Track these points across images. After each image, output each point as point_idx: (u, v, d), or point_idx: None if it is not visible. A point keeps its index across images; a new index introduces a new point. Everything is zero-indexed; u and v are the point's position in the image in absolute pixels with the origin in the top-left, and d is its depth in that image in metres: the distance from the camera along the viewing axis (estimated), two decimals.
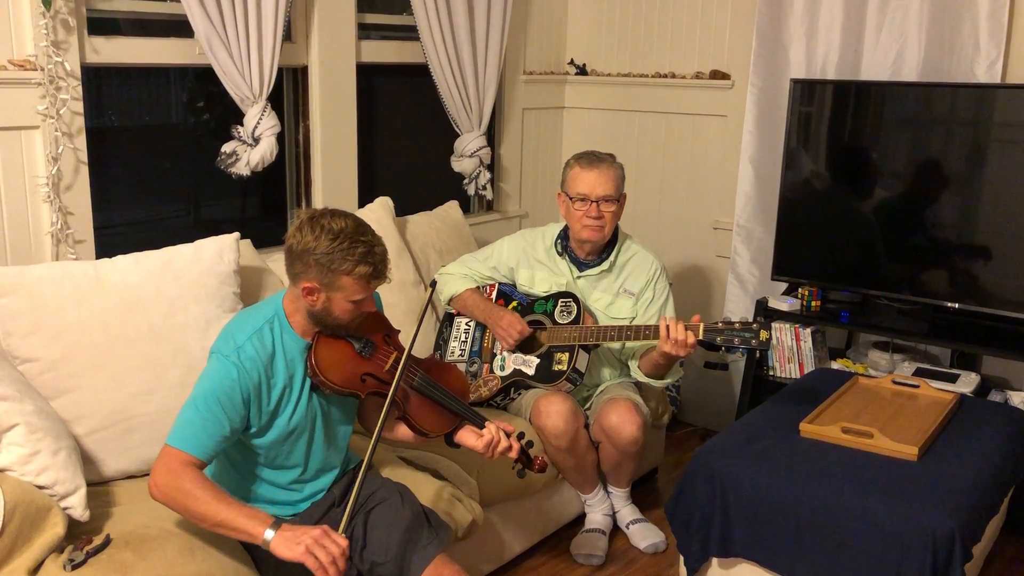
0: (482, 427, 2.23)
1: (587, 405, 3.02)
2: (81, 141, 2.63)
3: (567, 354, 2.84)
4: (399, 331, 2.28)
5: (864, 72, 3.40)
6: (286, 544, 1.85)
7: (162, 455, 1.96)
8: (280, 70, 3.06)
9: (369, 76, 3.51)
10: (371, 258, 2.00)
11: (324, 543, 1.84)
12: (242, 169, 2.94)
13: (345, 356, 2.12)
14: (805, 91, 3.40)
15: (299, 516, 2.18)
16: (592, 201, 2.87)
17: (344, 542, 1.86)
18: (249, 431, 2.07)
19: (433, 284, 2.16)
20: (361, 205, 3.35)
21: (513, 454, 2.24)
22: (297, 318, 2.10)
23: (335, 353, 2.10)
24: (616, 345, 2.99)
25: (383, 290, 2.26)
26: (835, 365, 3.41)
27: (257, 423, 2.06)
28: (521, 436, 2.27)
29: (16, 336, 2.27)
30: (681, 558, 2.58)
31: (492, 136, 3.98)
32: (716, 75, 3.82)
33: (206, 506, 1.89)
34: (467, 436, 2.24)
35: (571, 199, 2.92)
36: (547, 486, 2.93)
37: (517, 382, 2.92)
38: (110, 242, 2.80)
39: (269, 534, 1.86)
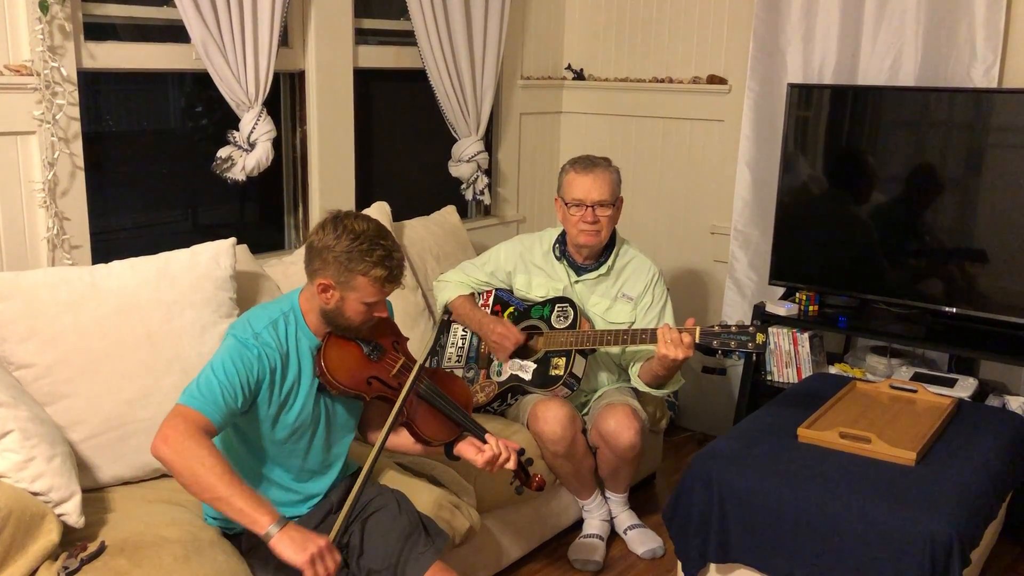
0: (485, 441, 2.23)
1: (585, 410, 3.01)
2: (77, 146, 2.62)
3: (564, 359, 2.84)
4: (408, 339, 2.30)
5: (861, 77, 3.40)
6: (292, 546, 1.80)
7: (174, 415, 1.90)
8: (277, 75, 3.06)
9: (366, 81, 3.51)
10: (388, 262, 2.03)
11: (326, 556, 1.83)
12: (237, 174, 2.93)
13: (353, 358, 2.14)
14: (802, 96, 3.40)
15: (299, 520, 2.16)
16: (588, 206, 2.86)
17: (339, 558, 1.87)
18: (258, 416, 2.07)
19: (448, 313, 2.20)
20: (358, 210, 3.34)
21: (512, 466, 2.24)
22: (312, 316, 2.13)
23: (344, 354, 2.13)
24: (614, 350, 2.98)
25: None
26: (833, 370, 3.41)
27: (266, 411, 2.06)
28: (521, 452, 2.28)
29: (11, 342, 2.26)
30: (679, 563, 2.57)
31: (490, 141, 3.98)
32: (713, 80, 3.82)
33: (217, 477, 1.83)
34: (467, 449, 2.24)
35: (567, 204, 2.91)
36: (545, 493, 2.92)
37: (514, 388, 2.92)
38: (106, 247, 2.79)
39: (273, 529, 1.81)
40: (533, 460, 2.33)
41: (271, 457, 2.14)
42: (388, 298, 2.22)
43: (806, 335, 3.42)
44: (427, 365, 2.32)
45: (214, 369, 1.98)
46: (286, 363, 2.07)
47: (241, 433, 2.12)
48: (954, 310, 3.17)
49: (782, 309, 3.43)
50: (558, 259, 3.02)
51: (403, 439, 2.25)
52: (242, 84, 2.85)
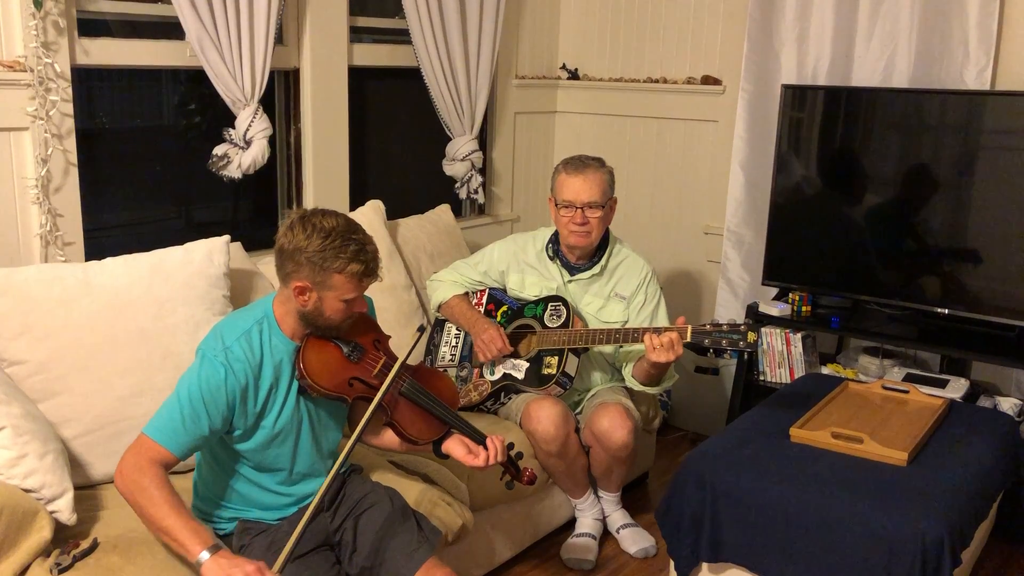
0: (472, 436, 2.21)
1: (578, 409, 3.01)
2: (71, 143, 2.62)
3: (556, 358, 2.84)
4: (389, 337, 2.28)
5: (855, 78, 3.41)
6: (215, 572, 1.80)
7: (136, 444, 1.95)
8: (272, 73, 3.05)
9: (361, 79, 3.51)
10: (363, 256, 2.01)
11: None
12: (233, 172, 2.93)
13: (333, 359, 2.11)
14: (796, 97, 3.40)
15: (287, 519, 2.16)
16: (578, 207, 2.86)
17: None
18: (234, 433, 2.05)
19: (421, 329, 2.21)
20: (352, 208, 3.34)
21: (500, 459, 2.21)
22: (287, 320, 2.10)
23: (323, 356, 2.10)
24: (608, 349, 2.99)
25: (373, 293, 2.25)
26: (825, 370, 3.42)
27: (243, 425, 2.05)
28: (511, 447, 2.26)
29: (4, 338, 2.26)
30: (671, 563, 2.58)
31: (484, 140, 3.98)
32: (707, 80, 3.83)
33: (156, 508, 1.87)
34: (455, 447, 2.21)
35: (558, 205, 2.92)
36: (537, 490, 2.92)
37: (507, 386, 2.92)
38: (100, 244, 2.78)
39: (204, 556, 1.82)
40: (523, 453, 2.31)
41: (257, 463, 2.12)
42: (371, 298, 2.20)
43: (799, 335, 3.43)
44: (412, 363, 2.30)
45: (179, 396, 1.97)
46: (258, 374, 2.04)
47: (222, 442, 2.10)
48: (946, 311, 3.18)
49: (775, 309, 3.44)
50: (551, 259, 3.03)
51: (389, 438, 2.23)
52: (238, 81, 2.85)
